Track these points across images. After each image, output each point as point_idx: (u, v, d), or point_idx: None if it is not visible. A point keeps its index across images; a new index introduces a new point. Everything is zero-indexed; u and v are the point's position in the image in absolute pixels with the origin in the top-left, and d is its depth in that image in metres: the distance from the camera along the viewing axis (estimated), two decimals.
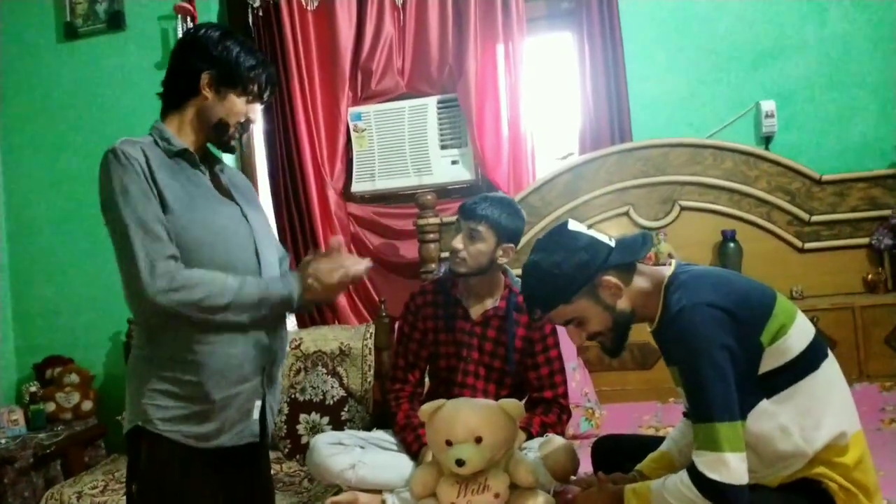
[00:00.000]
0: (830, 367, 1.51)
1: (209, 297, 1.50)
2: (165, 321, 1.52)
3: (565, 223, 1.63)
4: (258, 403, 1.64)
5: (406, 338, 2.33)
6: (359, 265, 1.64)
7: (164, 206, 1.52)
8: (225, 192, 1.68)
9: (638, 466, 1.75)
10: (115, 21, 3.44)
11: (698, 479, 1.41)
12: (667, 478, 1.50)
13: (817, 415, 1.45)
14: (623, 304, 1.57)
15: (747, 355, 1.43)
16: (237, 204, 1.67)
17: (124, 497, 1.65)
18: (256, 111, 1.69)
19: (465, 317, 2.25)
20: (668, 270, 1.56)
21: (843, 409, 1.49)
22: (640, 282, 1.58)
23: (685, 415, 1.81)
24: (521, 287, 1.69)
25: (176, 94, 1.64)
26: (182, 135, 1.63)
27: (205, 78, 1.60)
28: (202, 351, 1.53)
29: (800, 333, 1.48)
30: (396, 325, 2.44)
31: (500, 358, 2.22)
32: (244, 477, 1.69)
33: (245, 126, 1.68)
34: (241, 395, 1.59)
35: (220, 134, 1.65)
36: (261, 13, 3.35)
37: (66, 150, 3.48)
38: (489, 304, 2.25)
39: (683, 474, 1.44)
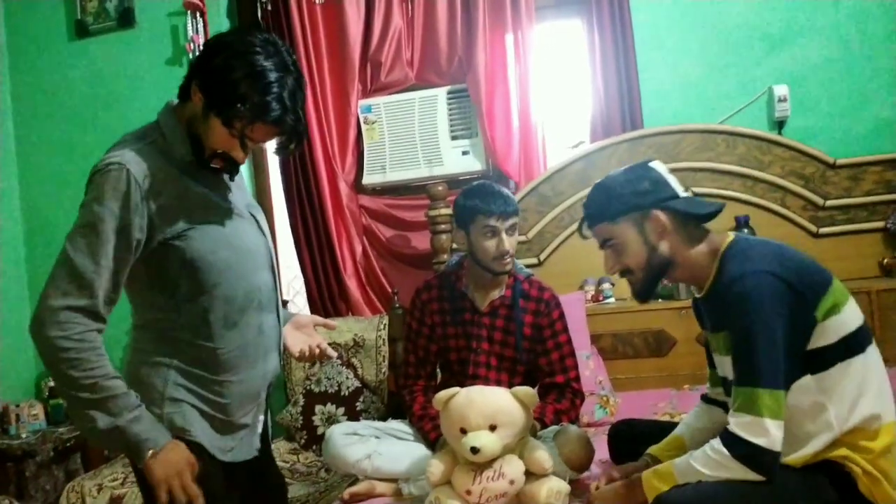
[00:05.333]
0: (875, 354, 1.53)
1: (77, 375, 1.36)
2: (197, 329, 1.46)
3: (650, 160, 1.66)
4: (261, 418, 1.61)
5: (415, 334, 2.33)
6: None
7: (174, 222, 1.39)
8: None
9: (650, 450, 1.75)
10: (126, 18, 3.45)
11: (733, 440, 1.41)
12: (691, 453, 1.50)
13: (855, 397, 1.47)
14: (665, 247, 1.58)
15: (801, 328, 1.45)
16: (253, 216, 1.57)
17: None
18: (238, 149, 1.42)
19: (473, 309, 2.25)
20: (726, 238, 1.58)
21: (882, 396, 1.51)
22: (693, 239, 1.58)
23: (703, 398, 1.81)
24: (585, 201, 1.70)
25: (185, 85, 1.44)
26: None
27: (194, 89, 1.40)
28: (229, 379, 1.49)
29: (851, 314, 1.50)
30: (405, 322, 2.44)
31: (511, 347, 2.23)
32: (258, 490, 1.65)
33: (228, 159, 1.43)
34: (252, 412, 1.57)
35: (197, 151, 1.43)
36: (269, 8, 3.35)
37: (79, 148, 3.50)
38: (495, 294, 2.25)
39: (713, 442, 1.45)
